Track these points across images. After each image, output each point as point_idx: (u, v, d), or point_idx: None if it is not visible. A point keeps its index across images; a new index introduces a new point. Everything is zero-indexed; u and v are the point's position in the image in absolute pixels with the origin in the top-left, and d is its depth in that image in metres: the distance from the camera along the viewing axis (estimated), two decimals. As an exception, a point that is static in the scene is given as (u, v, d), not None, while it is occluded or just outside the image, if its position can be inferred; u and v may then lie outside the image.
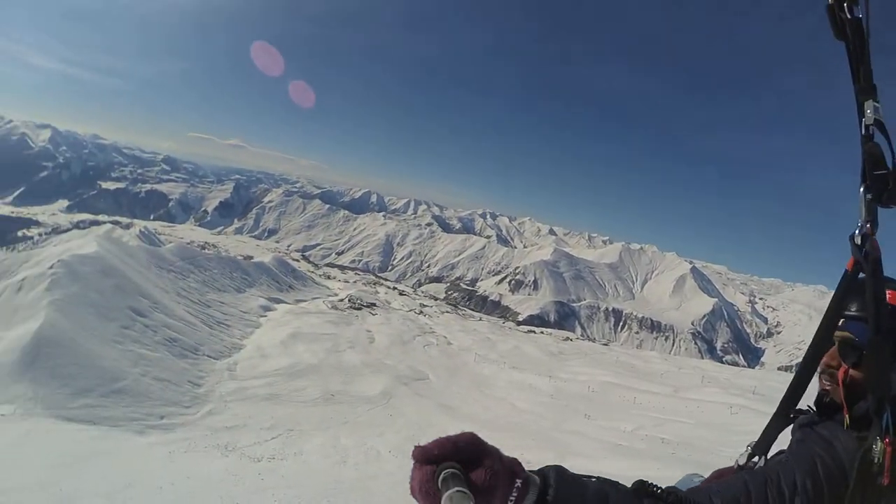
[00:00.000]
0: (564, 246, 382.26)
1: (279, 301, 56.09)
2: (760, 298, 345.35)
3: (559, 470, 0.96)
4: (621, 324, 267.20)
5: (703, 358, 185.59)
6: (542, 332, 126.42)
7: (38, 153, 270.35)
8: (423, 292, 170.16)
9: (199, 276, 48.89)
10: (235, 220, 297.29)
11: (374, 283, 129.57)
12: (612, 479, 1.03)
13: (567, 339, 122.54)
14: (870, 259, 1.16)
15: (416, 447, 0.91)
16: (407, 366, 41.97)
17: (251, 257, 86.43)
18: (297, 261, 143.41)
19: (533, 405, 35.70)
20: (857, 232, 1.17)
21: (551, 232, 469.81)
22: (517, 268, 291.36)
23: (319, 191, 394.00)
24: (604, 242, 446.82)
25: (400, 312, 74.92)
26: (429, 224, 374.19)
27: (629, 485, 1.05)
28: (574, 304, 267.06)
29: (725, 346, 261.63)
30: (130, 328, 30.99)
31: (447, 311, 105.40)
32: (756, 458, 1.49)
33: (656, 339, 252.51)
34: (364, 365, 39.18)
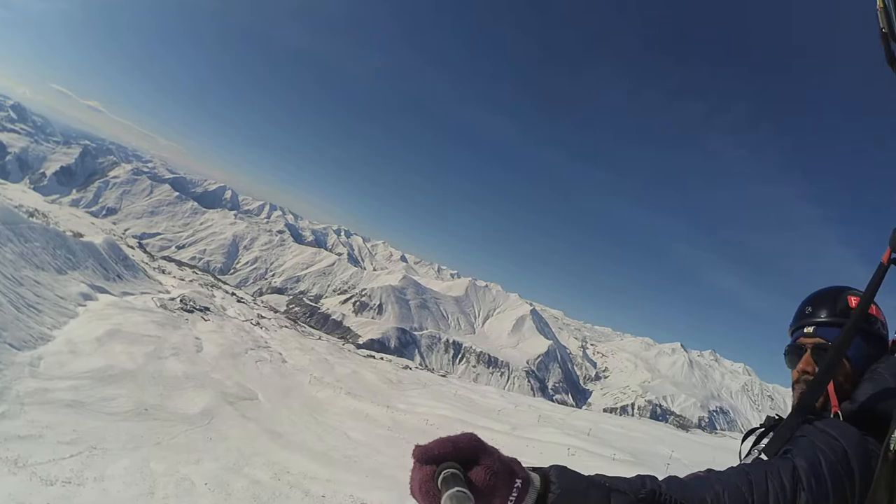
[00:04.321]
0: (414, 274, 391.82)
1: (103, 291, 52.45)
2: (591, 344, 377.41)
3: (561, 469, 0.95)
4: (460, 356, 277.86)
5: (535, 395, 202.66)
6: (381, 358, 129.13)
7: None
8: (263, 302, 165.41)
9: (18, 248, 43.96)
10: (74, 191, 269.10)
11: (212, 286, 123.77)
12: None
13: (406, 367, 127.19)
14: None
15: (416, 446, 0.93)
16: (235, 382, 39.78)
17: (82, 235, 79.64)
18: (132, 248, 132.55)
19: (369, 437, 35.44)
20: None
21: (403, 259, 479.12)
22: (364, 290, 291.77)
23: (172, 176, 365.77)
24: (452, 276, 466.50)
25: (235, 321, 73.12)
26: (280, 231, 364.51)
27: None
28: (416, 333, 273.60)
29: (557, 385, 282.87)
30: None
31: (286, 326, 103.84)
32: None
33: (492, 373, 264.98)
34: (187, 377, 36.20)
